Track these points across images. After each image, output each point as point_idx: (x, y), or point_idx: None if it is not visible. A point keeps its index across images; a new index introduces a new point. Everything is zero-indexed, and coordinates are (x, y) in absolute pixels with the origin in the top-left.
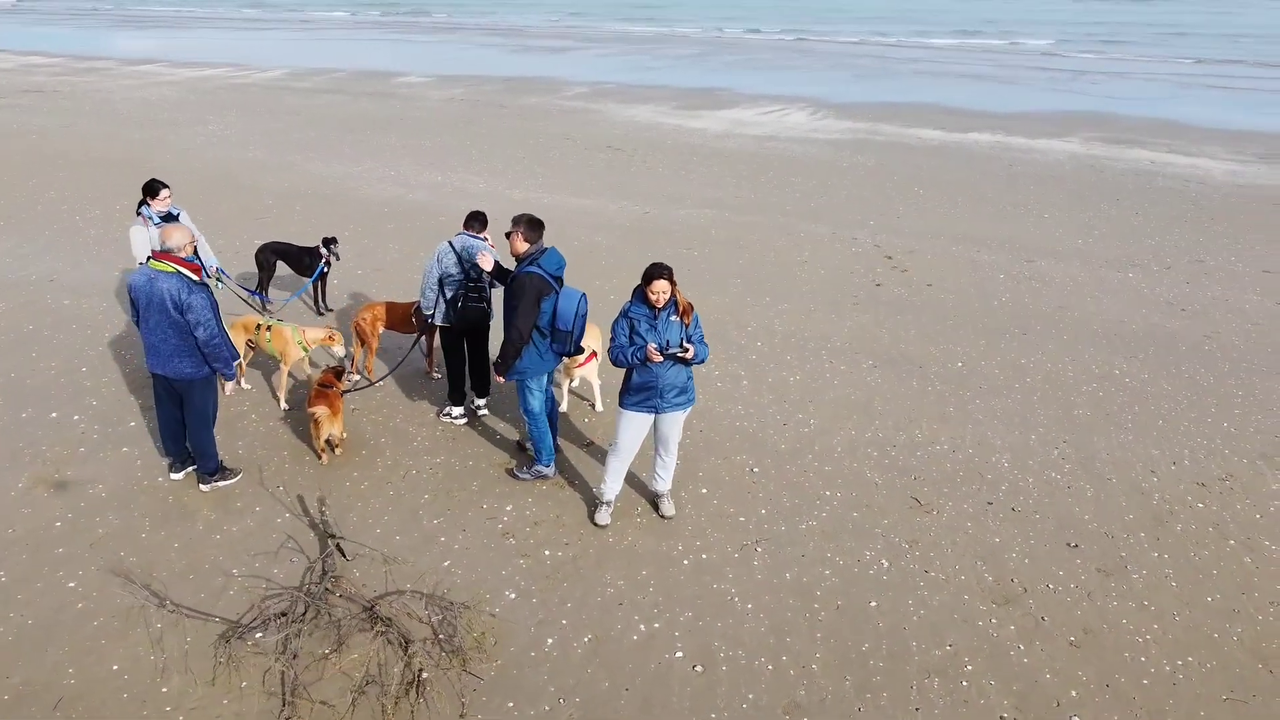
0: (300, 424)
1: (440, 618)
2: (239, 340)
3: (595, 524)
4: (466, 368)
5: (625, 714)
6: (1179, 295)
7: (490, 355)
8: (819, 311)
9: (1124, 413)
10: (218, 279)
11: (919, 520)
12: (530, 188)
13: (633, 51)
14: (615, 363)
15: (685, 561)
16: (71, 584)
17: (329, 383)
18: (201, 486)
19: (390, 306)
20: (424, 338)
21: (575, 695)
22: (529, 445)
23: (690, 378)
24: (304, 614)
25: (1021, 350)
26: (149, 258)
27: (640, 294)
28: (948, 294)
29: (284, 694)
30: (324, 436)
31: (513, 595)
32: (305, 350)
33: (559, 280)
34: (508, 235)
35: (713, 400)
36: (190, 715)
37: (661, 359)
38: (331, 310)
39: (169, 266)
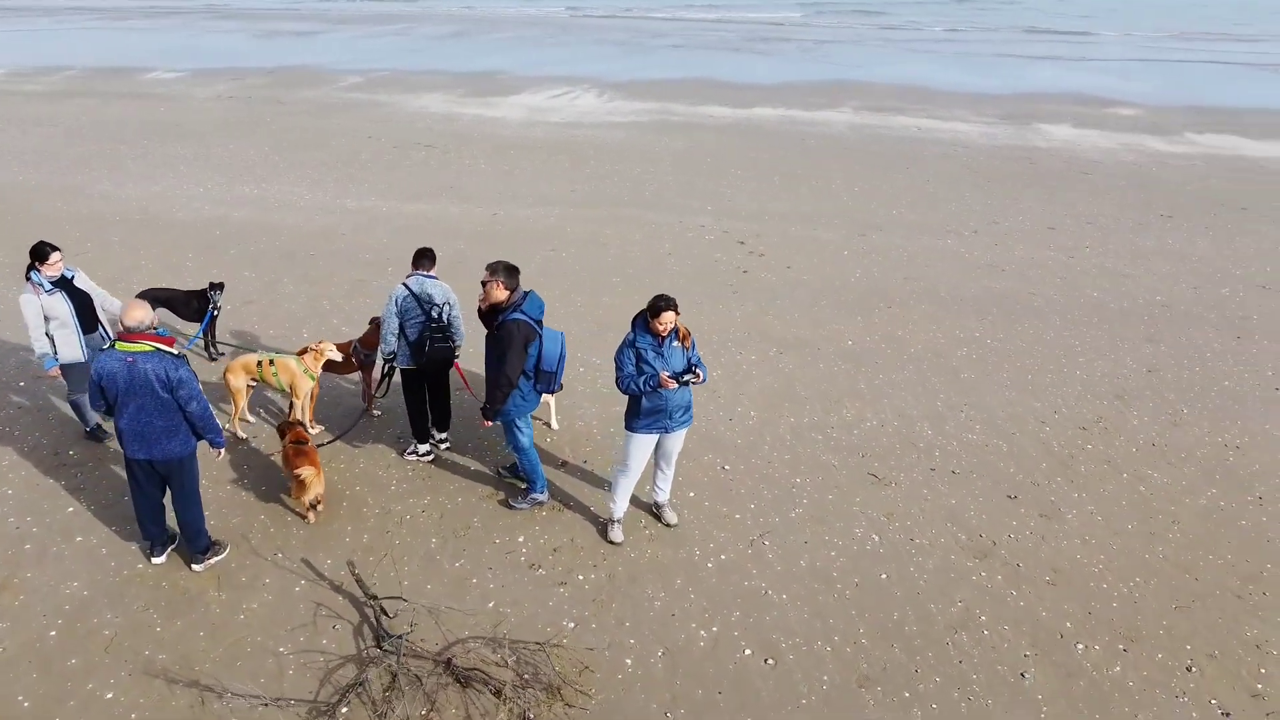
0: (264, 483)
1: (515, 658)
2: (240, 382)
3: (611, 542)
4: (427, 404)
5: (725, 714)
6: (994, 257)
7: (450, 391)
8: (706, 304)
9: (999, 372)
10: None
11: (884, 494)
12: (360, 195)
13: (387, 33)
14: (625, 391)
15: (709, 565)
16: (109, 695)
17: (302, 439)
18: (194, 567)
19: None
20: (364, 376)
21: (679, 708)
22: (505, 472)
23: (692, 396)
24: (393, 680)
25: (893, 323)
26: (113, 342)
27: (643, 324)
28: (809, 275)
29: None
30: (311, 496)
31: (571, 624)
32: (313, 377)
33: (539, 323)
34: (484, 284)
35: None
36: None
37: (676, 386)
38: (224, 354)
39: (146, 346)
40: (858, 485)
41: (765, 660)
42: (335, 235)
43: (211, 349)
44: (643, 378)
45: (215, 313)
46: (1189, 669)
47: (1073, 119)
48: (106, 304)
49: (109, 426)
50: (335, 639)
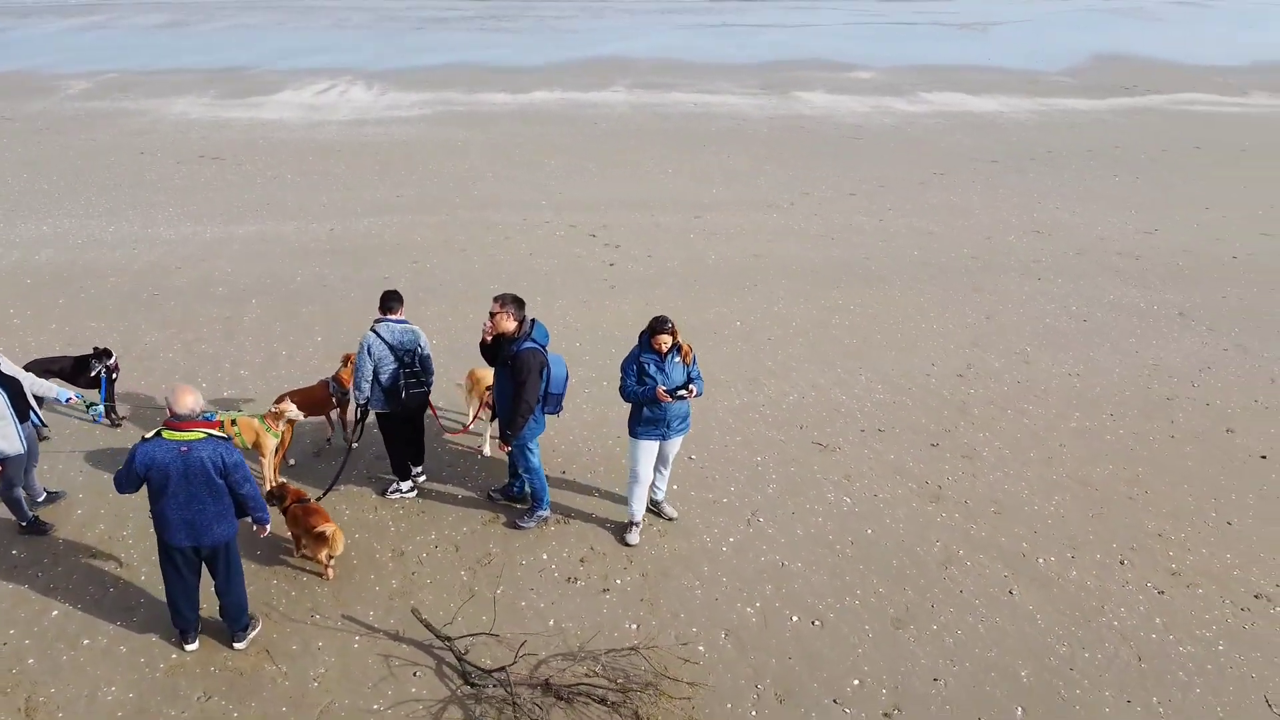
0: (258, 549)
1: (600, 665)
2: None
3: (628, 544)
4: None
5: (803, 675)
6: (820, 227)
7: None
8: (593, 301)
9: (874, 335)
10: (90, 408)
11: (834, 459)
12: (172, 222)
13: (90, 25)
14: (626, 399)
15: (723, 549)
16: None
17: (303, 497)
18: (236, 645)
19: (303, 393)
20: (343, 413)
21: (765, 679)
22: (496, 495)
23: (689, 408)
24: (513, 710)
25: (766, 301)
26: (159, 430)
27: (647, 341)
28: (671, 262)
29: None
30: (339, 551)
31: (633, 626)
32: (276, 435)
33: (545, 349)
34: (493, 315)
35: (602, 407)
36: None
37: (671, 399)
38: (125, 418)
39: (197, 433)
40: (809, 454)
41: (812, 623)
42: (170, 270)
43: (113, 415)
44: (642, 390)
45: (113, 375)
46: (1121, 563)
47: (823, 85)
48: (35, 387)
49: (50, 516)
50: (422, 685)
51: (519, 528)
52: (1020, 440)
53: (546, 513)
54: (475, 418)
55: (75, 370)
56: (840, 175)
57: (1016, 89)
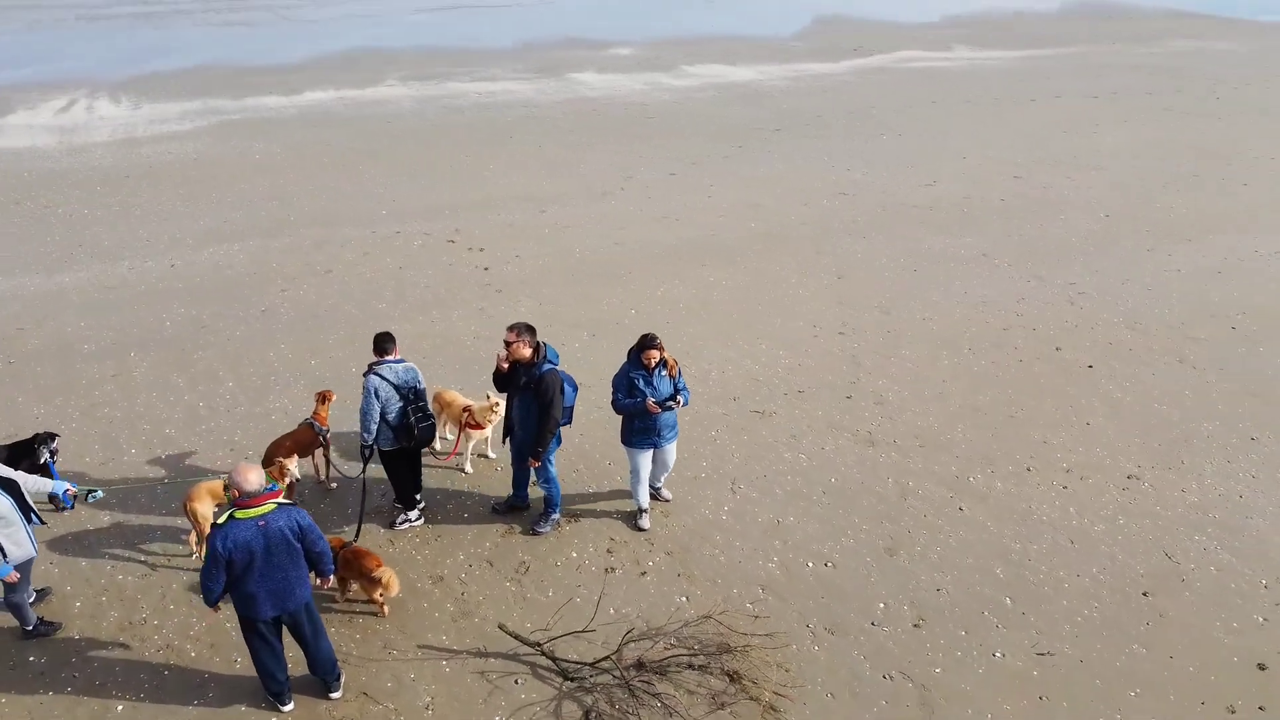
0: None
1: (675, 638)
2: (209, 509)
3: (642, 529)
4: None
5: (839, 609)
6: (660, 209)
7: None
8: (489, 307)
9: (755, 305)
10: (89, 496)
11: (776, 422)
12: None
13: None
14: (619, 411)
15: (724, 517)
16: None
17: (344, 542)
18: (334, 695)
19: (281, 445)
20: (327, 451)
21: (812, 618)
22: (500, 507)
23: (675, 420)
24: (628, 693)
25: (648, 285)
26: (230, 513)
27: (635, 358)
28: (541, 259)
29: None
30: (396, 591)
31: (683, 599)
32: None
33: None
34: (509, 345)
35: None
36: None
37: (659, 410)
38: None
39: (268, 505)
40: (753, 423)
41: (825, 565)
42: (14, 335)
43: (56, 501)
44: (631, 402)
45: (54, 460)
46: (1028, 470)
47: (591, 65)
48: (31, 484)
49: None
50: (528, 690)
51: (538, 533)
52: (911, 381)
53: (558, 515)
54: (460, 440)
55: (13, 460)
56: (653, 156)
57: (765, 57)
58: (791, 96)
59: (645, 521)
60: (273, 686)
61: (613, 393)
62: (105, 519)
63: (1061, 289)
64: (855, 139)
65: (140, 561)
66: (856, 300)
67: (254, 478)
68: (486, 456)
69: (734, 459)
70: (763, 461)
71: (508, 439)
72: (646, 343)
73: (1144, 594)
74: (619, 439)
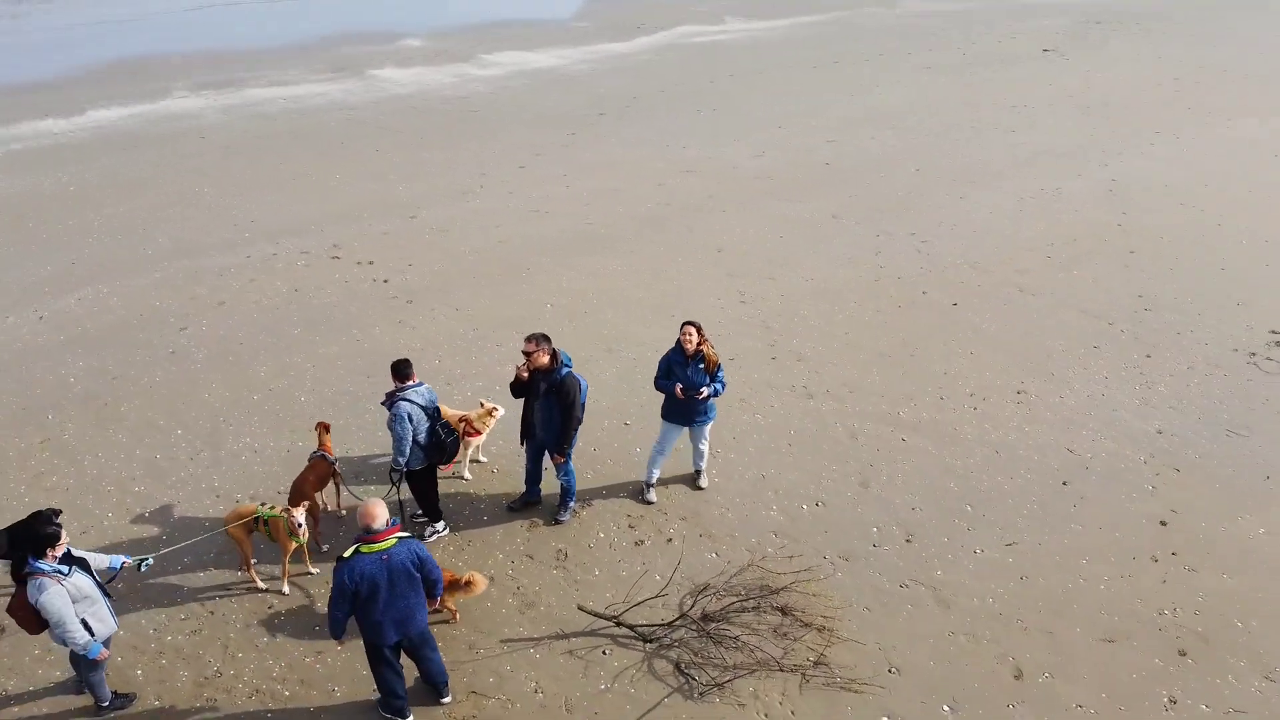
0: None
1: (728, 588)
2: (244, 534)
3: (649, 502)
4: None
5: (844, 540)
6: (526, 201)
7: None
8: (407, 319)
9: (657, 287)
10: (140, 566)
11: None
12: None
13: None
14: (657, 390)
15: (716, 479)
16: None
17: None
18: (445, 700)
19: (306, 480)
20: (337, 480)
21: (825, 552)
22: (516, 506)
23: (710, 407)
24: (708, 642)
25: (552, 279)
26: (356, 547)
27: (677, 342)
28: (436, 265)
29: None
30: (479, 591)
31: (713, 555)
32: (299, 541)
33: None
34: (529, 354)
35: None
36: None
37: (684, 396)
38: None
39: (391, 540)
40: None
41: (816, 504)
42: None
43: None
44: (665, 383)
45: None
46: (941, 399)
47: (388, 60)
48: (96, 561)
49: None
50: (618, 658)
51: (560, 522)
52: (819, 337)
53: (574, 503)
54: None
55: (17, 542)
56: (496, 151)
57: (558, 40)
58: (601, 79)
59: (651, 495)
60: (395, 703)
61: (655, 373)
62: (118, 584)
63: (907, 240)
64: (677, 117)
65: (181, 619)
66: (742, 270)
67: (381, 513)
68: (479, 461)
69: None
70: (726, 426)
71: (524, 441)
72: (685, 323)
73: (1064, 483)
74: (596, 433)
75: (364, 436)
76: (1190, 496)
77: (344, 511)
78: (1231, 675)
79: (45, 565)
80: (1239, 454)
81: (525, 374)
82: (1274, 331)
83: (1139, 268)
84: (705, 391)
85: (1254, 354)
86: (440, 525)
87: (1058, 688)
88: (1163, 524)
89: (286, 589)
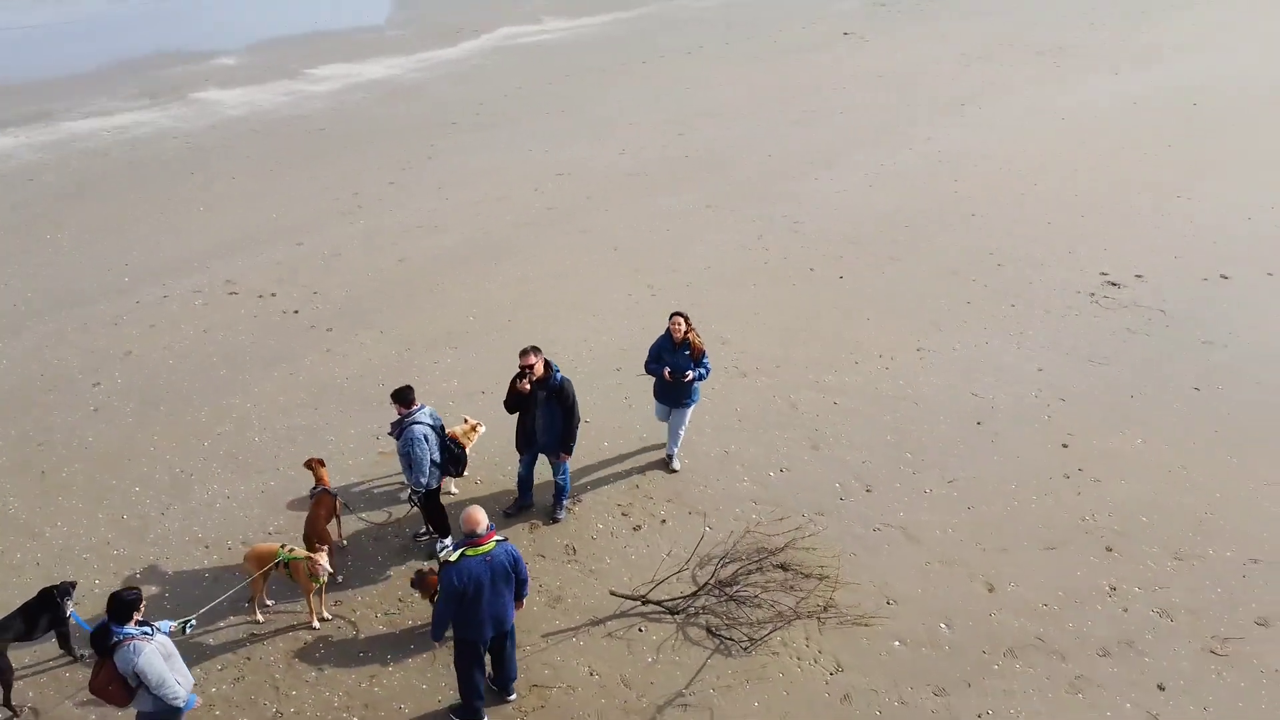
0: (412, 644)
1: (733, 551)
2: (261, 576)
3: (675, 470)
4: None
5: (814, 498)
6: (412, 217)
7: None
8: (335, 347)
9: (571, 289)
10: (185, 629)
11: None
12: None
13: None
14: (648, 373)
15: (689, 462)
16: None
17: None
18: (510, 698)
19: (319, 519)
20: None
21: (803, 510)
22: (512, 511)
23: (694, 390)
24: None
25: (464, 292)
26: (461, 551)
27: (666, 330)
28: (345, 290)
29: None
30: None
31: (708, 529)
32: (319, 582)
33: None
34: (530, 367)
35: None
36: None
37: (671, 379)
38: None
39: (491, 543)
40: (644, 383)
41: (781, 471)
42: None
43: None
44: (654, 366)
45: (76, 613)
46: (856, 363)
47: (207, 80)
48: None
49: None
50: (655, 632)
51: (558, 520)
52: (735, 319)
53: (568, 500)
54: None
55: (30, 623)
56: (361, 168)
57: (382, 49)
58: (440, 87)
59: (676, 464)
60: (476, 704)
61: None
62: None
63: (782, 221)
64: (530, 121)
65: (219, 670)
66: (644, 265)
67: (482, 518)
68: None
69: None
70: (704, 410)
71: (522, 450)
72: (673, 314)
73: (978, 423)
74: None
75: (334, 465)
76: (1079, 421)
77: (344, 542)
78: (1150, 560)
79: (132, 629)
80: (1105, 380)
81: (528, 386)
82: (1103, 273)
83: (983, 228)
84: (690, 375)
85: (1093, 294)
86: (449, 540)
87: (1024, 594)
88: (1064, 446)
89: (318, 624)
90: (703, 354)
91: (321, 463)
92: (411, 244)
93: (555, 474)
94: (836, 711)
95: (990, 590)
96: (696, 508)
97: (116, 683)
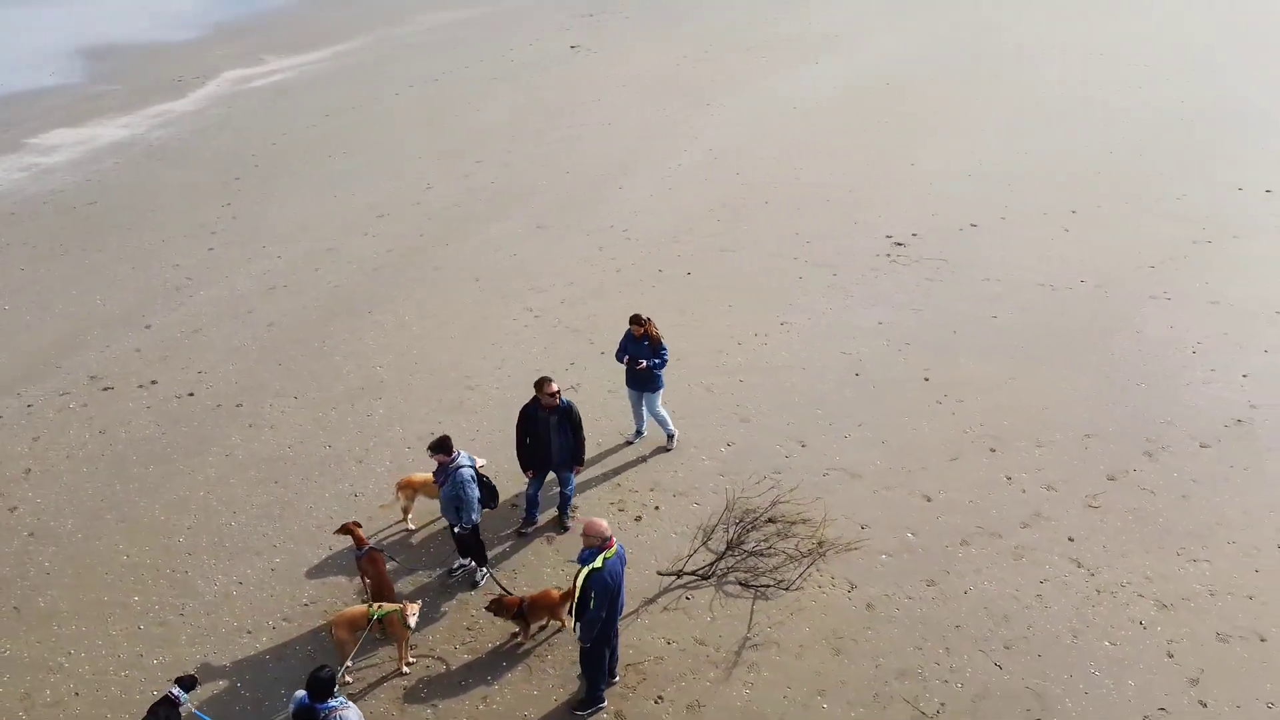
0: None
1: (735, 518)
2: (352, 638)
3: (630, 442)
4: None
5: (762, 453)
6: (257, 282)
7: None
8: (258, 420)
9: (458, 325)
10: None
11: (588, 392)
12: None
13: None
14: (617, 360)
15: (646, 453)
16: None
17: (519, 599)
18: (614, 680)
19: (382, 574)
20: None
21: (761, 472)
22: (527, 531)
23: (654, 378)
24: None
25: (345, 348)
26: (601, 556)
27: (628, 330)
28: (225, 364)
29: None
30: None
31: (696, 505)
32: (409, 627)
33: None
34: (553, 394)
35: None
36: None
37: (633, 368)
38: None
39: (614, 547)
40: (574, 398)
41: (726, 445)
42: None
43: None
44: (621, 356)
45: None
46: (739, 344)
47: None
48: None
49: None
50: (699, 597)
51: (569, 528)
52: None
53: (570, 508)
54: None
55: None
56: (163, 239)
57: (103, 110)
58: (197, 142)
59: (633, 438)
60: (600, 689)
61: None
62: None
63: (612, 233)
64: (319, 167)
65: None
66: (510, 291)
67: (606, 526)
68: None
69: (601, 423)
70: (614, 418)
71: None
72: (632, 320)
73: (856, 374)
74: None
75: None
76: (926, 356)
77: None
78: (1022, 452)
79: (334, 702)
80: (928, 322)
81: (547, 408)
82: (888, 236)
83: (780, 212)
84: (646, 364)
85: (889, 254)
86: (486, 567)
87: (952, 496)
88: (926, 379)
89: (407, 669)
90: (660, 345)
91: (358, 524)
92: (271, 308)
93: (565, 486)
94: (869, 617)
95: (928, 500)
96: (678, 490)
97: None
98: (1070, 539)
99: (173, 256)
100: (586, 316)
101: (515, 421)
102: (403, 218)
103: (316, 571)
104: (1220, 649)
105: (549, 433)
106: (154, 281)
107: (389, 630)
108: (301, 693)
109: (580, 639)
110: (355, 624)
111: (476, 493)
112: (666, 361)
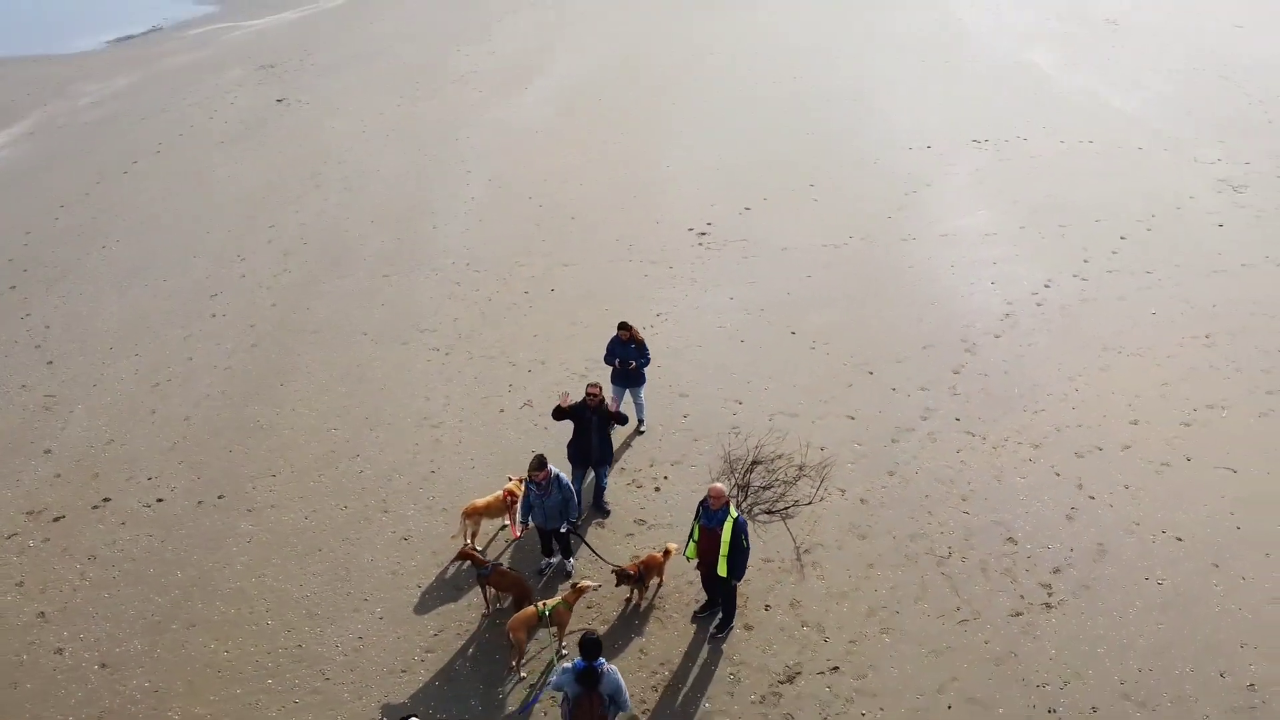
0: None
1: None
2: (526, 635)
3: (642, 433)
4: None
5: (718, 419)
6: (152, 361)
7: None
8: (275, 484)
9: (381, 378)
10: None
11: (540, 409)
12: None
13: None
14: (605, 363)
15: (627, 437)
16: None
17: (633, 567)
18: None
19: (521, 585)
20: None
21: (722, 425)
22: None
23: (641, 375)
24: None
25: (285, 404)
26: (741, 512)
27: (615, 335)
28: (176, 456)
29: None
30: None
31: (693, 468)
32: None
33: None
34: (598, 395)
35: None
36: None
37: (620, 367)
38: None
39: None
40: (527, 415)
41: (684, 417)
42: None
43: None
44: (610, 357)
45: None
46: (662, 320)
47: None
48: None
49: None
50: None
51: (609, 512)
52: (513, 347)
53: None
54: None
55: None
56: (21, 329)
57: None
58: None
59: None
60: (734, 613)
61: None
62: None
63: (456, 267)
64: (100, 260)
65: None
66: (403, 338)
67: (725, 489)
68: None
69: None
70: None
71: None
72: (620, 326)
73: (741, 341)
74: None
75: (411, 572)
76: (781, 316)
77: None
78: (890, 370)
79: (602, 659)
80: (766, 290)
81: (592, 403)
82: (690, 229)
83: (589, 224)
84: (633, 363)
85: (699, 244)
86: (554, 558)
87: (866, 412)
88: (793, 334)
89: (566, 651)
90: (644, 346)
91: (473, 549)
92: (172, 402)
93: (601, 479)
94: (867, 508)
95: (852, 419)
96: (674, 459)
97: (600, 706)
98: (957, 419)
99: (14, 378)
100: (493, 343)
101: (497, 443)
102: (239, 292)
103: (423, 608)
104: (1080, 462)
105: (591, 431)
106: (13, 407)
107: (557, 621)
108: (566, 664)
109: (732, 577)
110: (530, 623)
111: (574, 494)
112: (650, 360)
